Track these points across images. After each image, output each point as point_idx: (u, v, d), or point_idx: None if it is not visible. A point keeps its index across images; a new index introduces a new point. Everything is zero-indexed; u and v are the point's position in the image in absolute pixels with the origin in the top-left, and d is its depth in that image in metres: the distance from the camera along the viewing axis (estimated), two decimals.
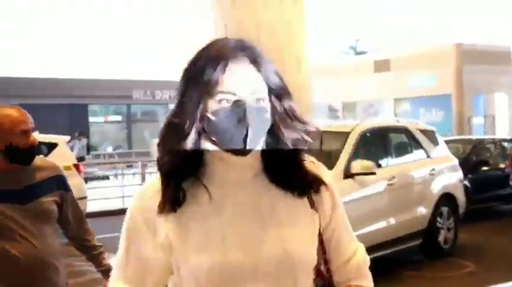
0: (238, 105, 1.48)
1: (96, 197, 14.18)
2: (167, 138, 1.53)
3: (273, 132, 1.54)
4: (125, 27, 33.82)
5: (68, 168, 10.57)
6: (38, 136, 11.62)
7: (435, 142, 9.43)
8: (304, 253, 1.54)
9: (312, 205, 1.61)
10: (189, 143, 1.49)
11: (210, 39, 1.56)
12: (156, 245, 1.53)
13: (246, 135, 1.47)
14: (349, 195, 7.37)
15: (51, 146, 11.01)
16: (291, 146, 1.55)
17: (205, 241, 1.47)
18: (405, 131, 9.00)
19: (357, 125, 8.24)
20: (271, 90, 1.54)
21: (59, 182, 3.11)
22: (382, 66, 28.46)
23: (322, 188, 1.62)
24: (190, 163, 1.52)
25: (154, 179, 1.58)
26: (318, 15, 29.08)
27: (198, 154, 1.53)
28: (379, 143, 8.54)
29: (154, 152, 1.56)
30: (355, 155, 7.65)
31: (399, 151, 8.91)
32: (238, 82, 1.49)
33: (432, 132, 9.57)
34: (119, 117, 33.61)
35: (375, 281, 1.75)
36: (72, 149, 17.15)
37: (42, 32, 31.28)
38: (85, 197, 11.12)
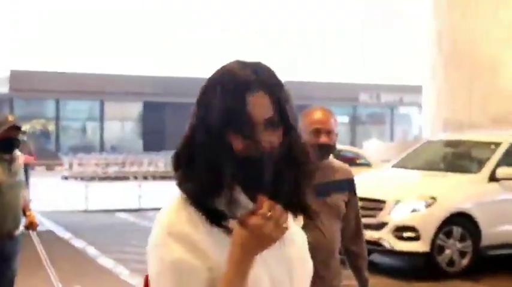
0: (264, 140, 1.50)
1: None
2: (199, 162, 1.51)
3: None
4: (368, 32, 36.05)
5: None
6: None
7: None
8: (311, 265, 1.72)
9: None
10: (227, 173, 1.49)
11: (224, 67, 1.58)
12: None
13: (265, 170, 1.50)
14: (493, 196, 8.85)
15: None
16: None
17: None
18: None
19: (510, 136, 9.57)
20: (284, 121, 1.55)
21: (349, 185, 3.45)
22: None
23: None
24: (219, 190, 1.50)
25: (173, 202, 1.56)
26: None
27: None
28: None
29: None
30: (504, 162, 9.03)
31: None
32: (258, 113, 1.50)
33: None
34: (345, 119, 35.81)
35: None
36: None
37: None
38: None
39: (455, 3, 15.09)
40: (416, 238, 8.32)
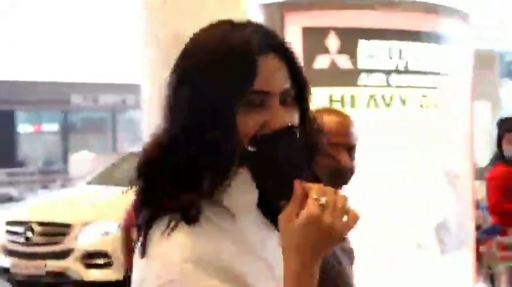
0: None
1: None
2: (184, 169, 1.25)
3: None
4: (61, 22, 34.57)
5: None
6: None
7: None
8: None
9: None
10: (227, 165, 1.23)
11: (222, 21, 1.34)
12: None
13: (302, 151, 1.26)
14: None
15: None
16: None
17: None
18: None
19: None
20: (301, 98, 1.30)
21: None
22: None
23: None
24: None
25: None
26: None
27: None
28: None
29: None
30: None
31: None
32: (270, 79, 1.24)
33: None
34: (54, 127, 32.43)
35: None
36: None
37: None
38: None
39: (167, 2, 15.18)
40: (108, 265, 7.86)
